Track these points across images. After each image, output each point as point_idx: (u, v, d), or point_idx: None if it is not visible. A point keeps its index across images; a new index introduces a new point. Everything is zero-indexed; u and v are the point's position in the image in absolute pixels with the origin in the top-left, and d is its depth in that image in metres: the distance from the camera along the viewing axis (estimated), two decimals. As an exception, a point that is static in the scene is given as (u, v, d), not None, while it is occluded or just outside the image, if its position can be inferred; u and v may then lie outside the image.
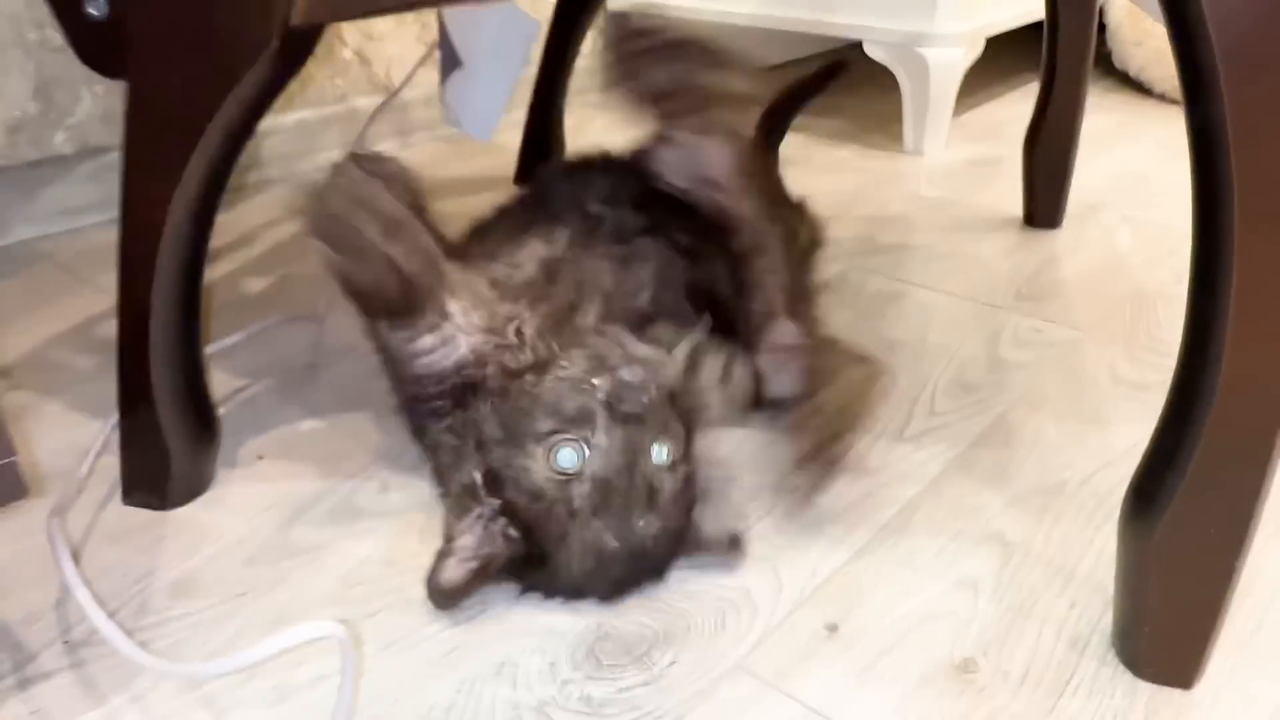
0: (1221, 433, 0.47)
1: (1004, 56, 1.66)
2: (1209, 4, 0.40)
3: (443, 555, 0.58)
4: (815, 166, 1.40)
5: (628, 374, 0.58)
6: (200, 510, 0.69)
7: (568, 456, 0.56)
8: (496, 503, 0.58)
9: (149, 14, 0.52)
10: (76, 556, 0.64)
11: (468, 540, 0.58)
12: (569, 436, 0.56)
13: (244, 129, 0.56)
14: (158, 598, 0.61)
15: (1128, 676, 0.55)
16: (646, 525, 0.56)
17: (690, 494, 0.61)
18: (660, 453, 0.58)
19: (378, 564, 0.64)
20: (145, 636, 0.58)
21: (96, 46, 0.56)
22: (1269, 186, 0.42)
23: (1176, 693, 0.54)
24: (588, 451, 0.56)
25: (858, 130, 1.55)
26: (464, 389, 0.62)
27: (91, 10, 0.55)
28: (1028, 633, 0.58)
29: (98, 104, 1.17)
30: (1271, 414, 0.46)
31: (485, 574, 0.58)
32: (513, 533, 0.58)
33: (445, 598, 0.58)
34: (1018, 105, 1.64)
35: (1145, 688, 0.54)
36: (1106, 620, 0.58)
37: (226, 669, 0.54)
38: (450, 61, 0.92)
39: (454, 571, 0.57)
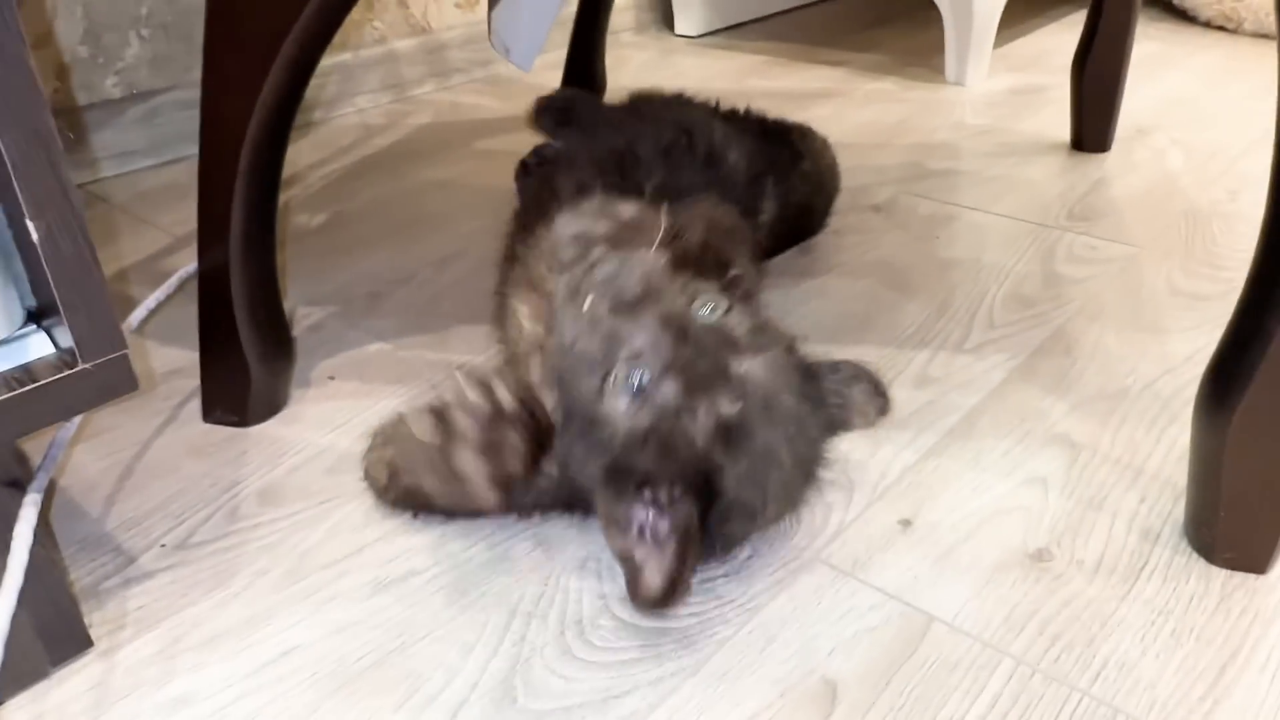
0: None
1: (1044, -14, 1.64)
2: None
3: (634, 570, 0.51)
4: (857, 99, 1.38)
5: (605, 269, 0.51)
6: (278, 426, 0.71)
7: (627, 384, 0.50)
8: (646, 492, 0.51)
9: (229, -78, 0.53)
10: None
11: (647, 540, 0.50)
12: (612, 371, 0.50)
13: (322, 38, 0.57)
14: (246, 505, 0.63)
15: (1201, 563, 0.56)
16: (750, 372, 0.50)
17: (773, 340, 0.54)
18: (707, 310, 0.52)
19: (456, 472, 0.65)
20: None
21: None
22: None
23: (1251, 577, 0.55)
24: (640, 369, 0.50)
25: (897, 64, 1.53)
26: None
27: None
28: (1099, 525, 0.59)
29: (146, 48, 1.18)
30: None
31: (687, 551, 0.50)
32: (678, 500, 0.50)
33: (663, 599, 0.50)
34: (1058, 35, 1.62)
35: (1219, 573, 0.55)
36: (1177, 513, 0.59)
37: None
38: (501, -13, 0.92)
39: (654, 572, 0.50)
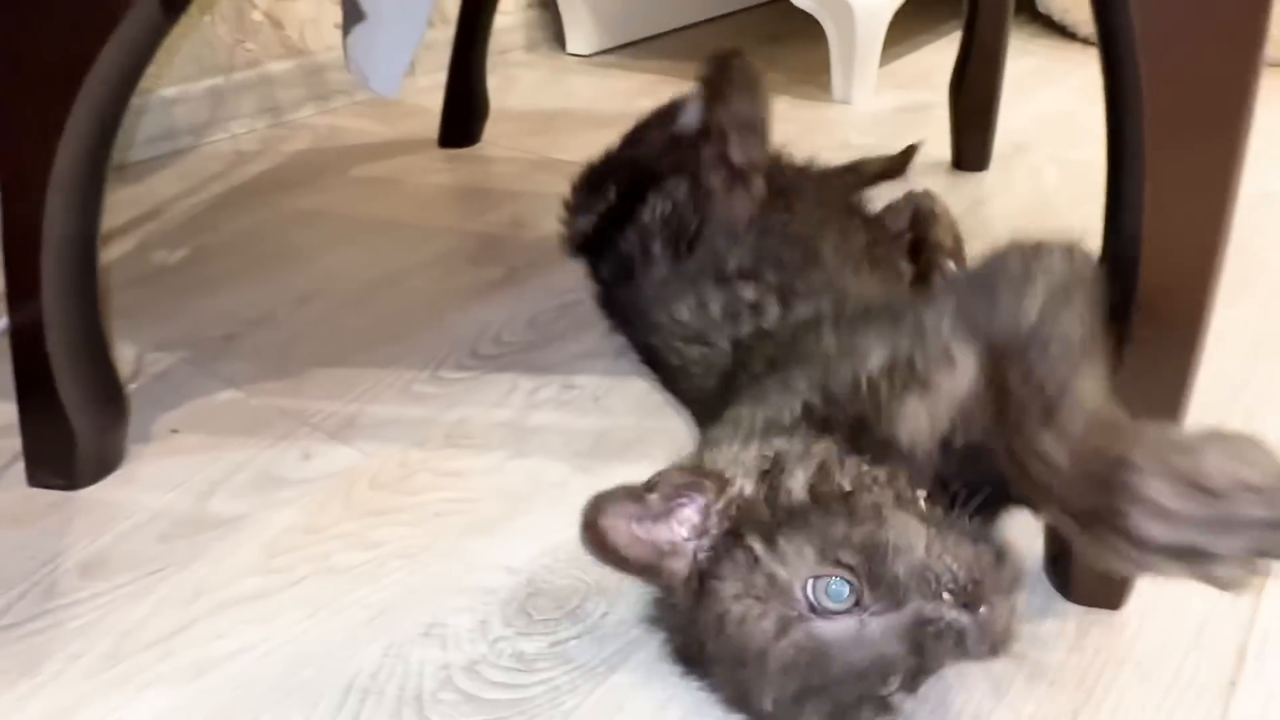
0: (1143, 352, 0.47)
1: (929, 4, 1.66)
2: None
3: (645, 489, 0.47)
4: (745, 118, 1.38)
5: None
6: (111, 488, 0.66)
7: (837, 593, 0.43)
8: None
9: (12, -45, 0.49)
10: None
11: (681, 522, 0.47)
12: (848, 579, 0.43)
13: (127, 81, 0.53)
14: (66, 579, 0.58)
15: (1060, 601, 0.55)
16: None
17: None
18: None
19: (299, 532, 0.62)
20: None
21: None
22: (1173, 89, 0.42)
23: (1106, 613, 0.54)
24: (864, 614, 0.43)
25: (787, 81, 1.54)
26: None
27: (-51, -44, 0.51)
28: (960, 564, 0.58)
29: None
30: (1185, 344, 0.46)
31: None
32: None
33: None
34: (944, 52, 1.64)
35: (1076, 610, 0.55)
36: (1038, 549, 0.59)
37: None
38: (353, 13, 0.88)
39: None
